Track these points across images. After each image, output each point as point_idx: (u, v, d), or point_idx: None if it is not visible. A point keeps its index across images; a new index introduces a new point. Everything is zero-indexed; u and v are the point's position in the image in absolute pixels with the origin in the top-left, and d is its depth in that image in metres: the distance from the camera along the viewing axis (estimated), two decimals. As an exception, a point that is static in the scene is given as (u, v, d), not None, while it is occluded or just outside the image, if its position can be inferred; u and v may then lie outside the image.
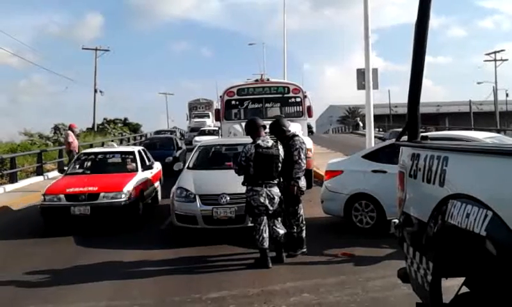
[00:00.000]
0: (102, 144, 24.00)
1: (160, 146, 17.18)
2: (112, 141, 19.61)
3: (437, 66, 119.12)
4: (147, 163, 10.06)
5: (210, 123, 37.81)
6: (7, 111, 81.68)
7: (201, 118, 41.24)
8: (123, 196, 7.92)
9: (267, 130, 6.21)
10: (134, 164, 9.44)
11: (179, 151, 17.05)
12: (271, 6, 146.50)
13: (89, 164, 9.91)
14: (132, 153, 9.89)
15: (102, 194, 7.87)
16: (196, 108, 46.95)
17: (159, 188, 10.56)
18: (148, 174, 9.63)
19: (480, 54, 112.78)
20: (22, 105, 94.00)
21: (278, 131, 6.25)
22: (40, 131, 26.96)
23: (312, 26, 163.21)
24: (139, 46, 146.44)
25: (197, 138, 26.45)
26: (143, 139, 29.92)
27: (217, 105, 24.89)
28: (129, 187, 8.16)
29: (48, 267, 6.02)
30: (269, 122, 6.65)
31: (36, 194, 10.53)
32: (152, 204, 9.99)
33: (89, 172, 9.46)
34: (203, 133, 29.29)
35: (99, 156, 10.18)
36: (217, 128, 28.83)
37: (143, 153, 10.30)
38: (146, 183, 9.25)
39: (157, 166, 10.95)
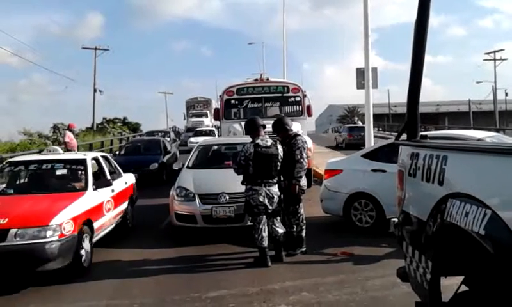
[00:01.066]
0: (102, 145, 23.75)
1: (145, 150, 14.92)
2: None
3: (437, 65, 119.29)
4: (107, 176, 7.08)
5: (208, 122, 36.56)
6: (7, 110, 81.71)
7: (199, 117, 39.53)
8: (49, 233, 5.07)
9: (268, 129, 6.21)
10: (84, 179, 6.57)
11: (167, 156, 14.66)
12: (271, 5, 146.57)
13: (15, 179, 6.95)
14: (82, 162, 6.80)
15: (13, 231, 4.99)
16: (194, 107, 45.05)
17: (129, 212, 7.76)
18: (107, 193, 6.70)
19: (480, 53, 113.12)
20: (21, 105, 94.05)
21: (281, 130, 6.27)
22: (40, 130, 27.06)
23: (312, 26, 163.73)
24: (140, 45, 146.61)
25: (192, 139, 25.02)
26: (125, 142, 25.59)
27: (216, 104, 24.76)
28: (62, 217, 5.28)
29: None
30: (269, 121, 6.66)
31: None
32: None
33: (12, 191, 6.38)
34: (200, 133, 26.65)
35: (31, 167, 6.98)
36: (214, 129, 28.26)
37: (102, 163, 7.31)
38: (100, 208, 6.39)
39: (126, 180, 8.01)
